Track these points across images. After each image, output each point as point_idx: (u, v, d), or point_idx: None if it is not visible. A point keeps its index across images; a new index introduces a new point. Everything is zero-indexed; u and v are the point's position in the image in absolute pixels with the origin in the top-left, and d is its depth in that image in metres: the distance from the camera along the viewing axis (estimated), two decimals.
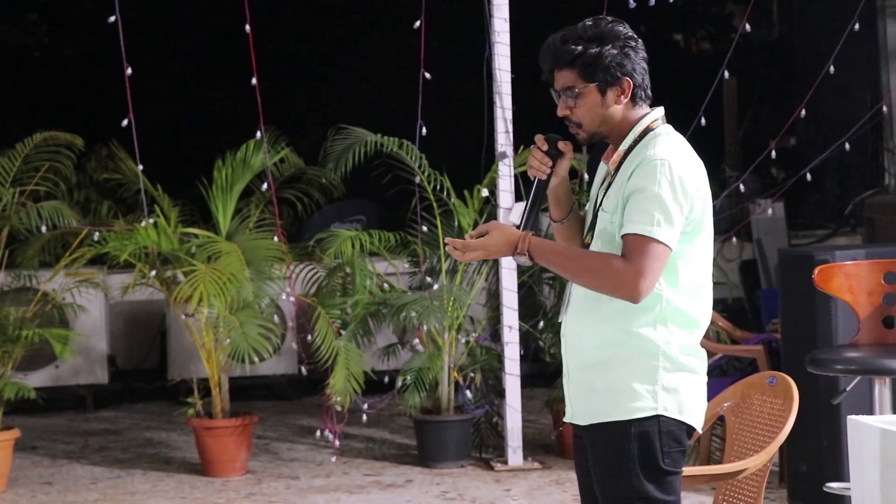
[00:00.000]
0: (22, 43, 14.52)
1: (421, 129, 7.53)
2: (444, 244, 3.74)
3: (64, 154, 8.02)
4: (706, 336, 7.18)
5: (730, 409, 4.73)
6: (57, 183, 8.09)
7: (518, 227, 3.58)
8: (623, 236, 3.47)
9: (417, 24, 7.42)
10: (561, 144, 3.61)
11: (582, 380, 3.64)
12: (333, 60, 13.52)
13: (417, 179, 7.62)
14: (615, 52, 3.53)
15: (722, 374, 6.96)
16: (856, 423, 4.04)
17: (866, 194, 10.09)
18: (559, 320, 3.75)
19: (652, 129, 3.58)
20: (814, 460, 6.31)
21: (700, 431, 3.66)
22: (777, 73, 13.33)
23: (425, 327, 7.55)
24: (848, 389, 5.47)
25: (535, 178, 3.63)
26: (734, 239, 8.94)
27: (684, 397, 3.57)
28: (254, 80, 7.39)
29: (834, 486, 5.86)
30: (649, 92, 3.61)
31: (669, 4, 6.28)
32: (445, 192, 7.64)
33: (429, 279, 7.76)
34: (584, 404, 3.64)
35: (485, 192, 7.55)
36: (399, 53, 10.03)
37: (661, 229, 3.43)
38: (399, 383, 7.63)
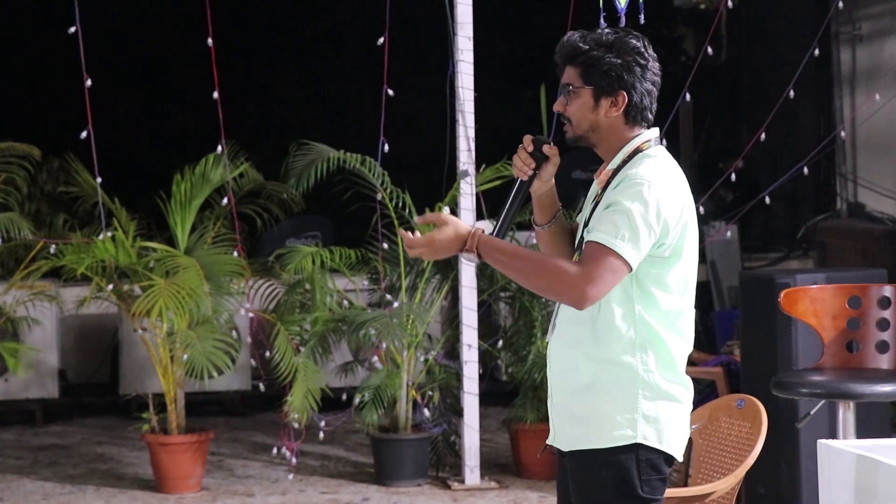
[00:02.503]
0: None
1: (383, 146, 7.52)
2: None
3: (17, 165, 7.94)
4: None
5: (697, 432, 4.75)
6: (9, 193, 8.01)
7: (493, 229, 3.54)
8: (585, 243, 3.45)
9: (381, 40, 7.41)
10: (546, 148, 3.59)
11: (564, 405, 3.61)
12: (289, 75, 13.47)
13: (379, 196, 7.61)
14: (618, 62, 3.50)
15: None
16: (826, 448, 4.06)
17: (818, 218, 10.19)
18: (546, 340, 3.72)
19: (642, 150, 3.54)
20: (771, 483, 6.35)
21: (680, 460, 3.61)
22: (726, 96, 13.45)
23: (384, 345, 7.53)
24: (812, 413, 5.51)
25: (517, 178, 3.61)
26: None
27: (664, 426, 3.52)
28: (215, 94, 7.35)
29: None
30: (649, 115, 3.56)
31: (625, 25, 6.32)
32: (407, 210, 7.63)
33: (388, 297, 7.74)
34: (565, 430, 3.62)
35: (446, 210, 7.54)
36: (358, 69, 10.02)
37: (625, 244, 3.39)
38: (357, 401, 7.60)
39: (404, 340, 7.51)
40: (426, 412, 7.64)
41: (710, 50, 7.53)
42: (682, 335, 3.57)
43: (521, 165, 3.59)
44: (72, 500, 7.41)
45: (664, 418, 3.52)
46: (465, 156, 7.50)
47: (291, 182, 7.60)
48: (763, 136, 7.92)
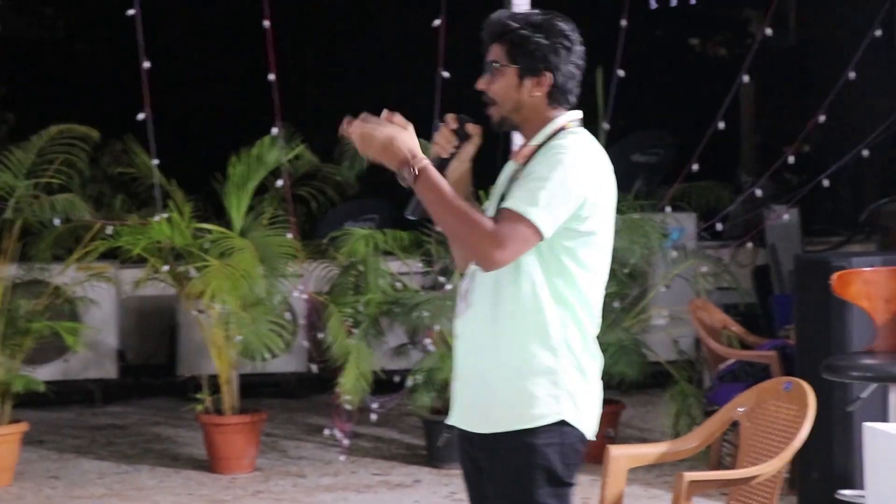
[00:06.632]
0: (38, 37, 14.54)
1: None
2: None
3: (78, 147, 8.00)
4: (719, 341, 7.17)
5: (744, 415, 4.70)
6: (71, 176, 8.07)
7: (408, 208, 3.53)
8: (499, 209, 3.41)
9: (437, 22, 7.39)
10: (470, 126, 3.59)
11: (481, 385, 3.51)
12: (348, 58, 13.50)
13: None
14: (545, 43, 3.48)
15: (734, 379, 6.92)
16: (872, 431, 4.01)
17: (882, 202, 10.03)
18: (455, 317, 3.63)
19: (566, 129, 3.51)
20: (825, 467, 6.27)
21: (593, 439, 3.54)
22: (793, 79, 13.31)
23: (437, 327, 7.52)
24: (864, 396, 5.43)
25: (437, 155, 3.58)
26: (750, 244, 8.89)
27: (582, 405, 3.47)
28: (271, 76, 7.36)
29: (846, 494, 5.83)
30: (571, 98, 3.54)
31: (686, 8, 6.26)
32: None
33: (441, 279, 7.73)
34: (483, 412, 3.51)
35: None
36: (415, 51, 9.99)
37: (538, 211, 3.35)
38: (409, 383, 7.59)
39: None
40: None
41: (768, 31, 7.43)
42: (595, 314, 3.53)
43: (442, 142, 3.57)
44: (126, 479, 7.48)
45: (582, 396, 3.47)
46: (520, 138, 7.44)
47: (346, 164, 7.60)
48: (824, 118, 7.81)
